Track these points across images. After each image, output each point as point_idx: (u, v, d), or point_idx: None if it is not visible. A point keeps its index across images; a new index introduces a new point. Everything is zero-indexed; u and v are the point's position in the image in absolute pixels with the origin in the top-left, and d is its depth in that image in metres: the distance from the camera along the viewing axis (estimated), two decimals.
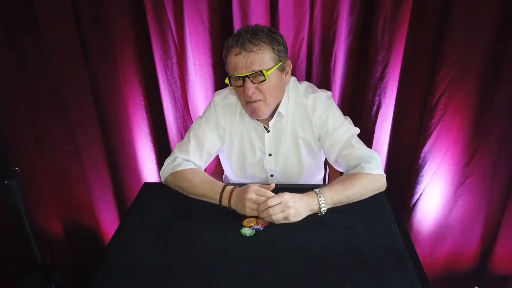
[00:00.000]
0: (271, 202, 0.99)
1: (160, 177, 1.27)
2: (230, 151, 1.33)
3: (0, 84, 1.37)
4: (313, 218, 1.04)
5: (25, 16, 1.33)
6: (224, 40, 1.54)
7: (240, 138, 1.30)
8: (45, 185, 1.55)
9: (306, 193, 1.05)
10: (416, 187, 1.55)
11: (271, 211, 0.99)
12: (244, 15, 1.43)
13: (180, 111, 1.65)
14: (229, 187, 1.10)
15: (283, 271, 0.87)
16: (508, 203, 1.48)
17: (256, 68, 1.09)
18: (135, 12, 1.45)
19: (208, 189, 1.12)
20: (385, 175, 1.15)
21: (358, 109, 1.59)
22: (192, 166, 1.23)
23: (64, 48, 1.41)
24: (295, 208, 1.01)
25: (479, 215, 1.54)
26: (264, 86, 1.12)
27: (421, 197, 1.56)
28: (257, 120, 1.25)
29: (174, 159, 1.24)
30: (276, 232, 1.00)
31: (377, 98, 1.53)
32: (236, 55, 1.10)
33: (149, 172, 1.73)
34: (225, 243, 0.97)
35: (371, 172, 1.11)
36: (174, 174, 1.20)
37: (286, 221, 1.01)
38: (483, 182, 1.47)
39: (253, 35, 1.09)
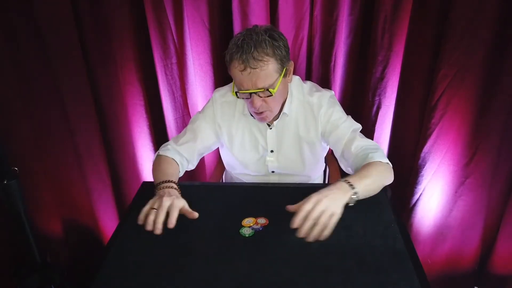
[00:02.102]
0: (305, 207, 0.91)
1: None
2: (231, 147, 1.34)
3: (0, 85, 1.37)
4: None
5: (24, 17, 1.33)
6: (224, 40, 1.55)
7: (241, 134, 1.31)
8: (45, 185, 1.55)
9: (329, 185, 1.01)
10: (416, 187, 1.55)
11: (312, 214, 0.90)
12: (244, 15, 1.43)
13: (180, 111, 1.65)
14: (173, 184, 1.08)
15: (282, 272, 0.87)
16: (508, 203, 1.48)
17: (262, 85, 1.09)
18: (134, 13, 1.45)
19: (159, 176, 1.13)
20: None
21: (358, 109, 1.59)
22: (176, 157, 1.24)
23: (64, 48, 1.40)
24: (332, 200, 0.93)
25: (479, 215, 1.54)
26: (270, 98, 1.14)
27: (421, 197, 1.56)
28: None
29: (165, 145, 1.28)
30: (275, 232, 0.99)
31: (377, 98, 1.53)
32: (241, 71, 1.08)
33: (149, 172, 1.73)
34: (224, 243, 0.97)
35: (381, 160, 1.12)
36: (156, 158, 1.24)
37: (335, 218, 0.92)
38: (483, 182, 1.47)
39: (255, 49, 1.06)
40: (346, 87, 1.58)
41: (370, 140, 1.20)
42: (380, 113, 1.56)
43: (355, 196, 1.00)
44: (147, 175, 1.74)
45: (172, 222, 0.96)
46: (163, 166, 1.20)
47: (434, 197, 1.55)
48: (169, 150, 1.25)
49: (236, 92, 1.15)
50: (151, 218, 0.95)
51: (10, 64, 1.35)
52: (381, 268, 0.87)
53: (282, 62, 1.11)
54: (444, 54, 1.31)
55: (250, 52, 1.05)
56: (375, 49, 1.43)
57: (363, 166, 1.11)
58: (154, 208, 0.97)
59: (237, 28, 1.46)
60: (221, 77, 1.58)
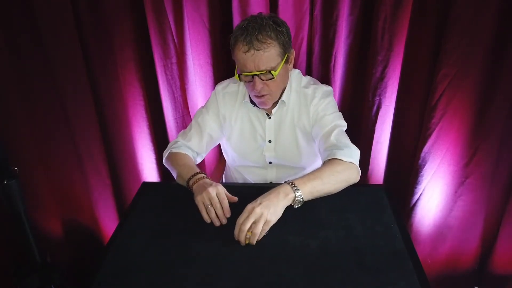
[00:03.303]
0: (239, 220, 0.95)
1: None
2: (231, 137, 1.36)
3: (0, 85, 1.37)
4: (312, 219, 1.04)
5: (25, 18, 1.33)
6: (224, 40, 1.55)
7: (241, 124, 1.34)
8: (45, 185, 1.55)
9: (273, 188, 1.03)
10: (416, 187, 1.55)
11: (243, 227, 0.93)
12: (244, 15, 1.43)
13: (180, 111, 1.65)
14: (202, 175, 1.11)
15: (282, 272, 0.87)
16: (508, 203, 1.48)
17: (264, 68, 1.12)
18: (135, 13, 1.45)
19: (185, 171, 1.15)
20: (358, 167, 1.13)
21: (358, 109, 1.59)
22: (189, 152, 1.29)
23: (64, 49, 1.40)
24: (265, 207, 0.96)
25: (479, 215, 1.54)
26: (272, 82, 1.17)
27: (421, 197, 1.56)
28: (258, 108, 1.30)
29: (175, 142, 1.32)
30: (275, 233, 0.99)
31: (377, 98, 1.53)
32: (245, 52, 1.11)
33: (149, 172, 1.73)
34: (224, 244, 0.97)
35: (342, 158, 1.10)
36: (170, 155, 1.28)
37: (268, 225, 0.96)
38: (483, 182, 1.47)
39: (260, 32, 1.09)
40: (346, 87, 1.58)
41: (346, 139, 1.19)
42: (380, 113, 1.56)
43: (299, 199, 1.02)
44: (147, 175, 1.74)
45: (228, 212, 1.01)
46: (183, 161, 1.23)
47: (434, 197, 1.55)
48: (180, 146, 1.29)
49: (239, 75, 1.18)
50: (213, 215, 1.00)
51: (10, 64, 1.35)
52: (381, 268, 0.87)
53: (285, 48, 1.15)
54: (444, 54, 1.31)
55: (254, 34, 1.09)
56: (375, 49, 1.43)
57: (321, 165, 1.13)
58: (207, 203, 1.01)
59: None
60: (221, 77, 1.58)
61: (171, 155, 1.28)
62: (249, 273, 0.87)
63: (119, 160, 1.69)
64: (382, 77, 1.48)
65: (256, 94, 1.19)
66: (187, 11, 1.46)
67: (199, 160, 1.35)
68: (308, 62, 1.56)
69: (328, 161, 1.11)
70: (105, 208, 1.72)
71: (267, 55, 1.11)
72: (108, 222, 1.75)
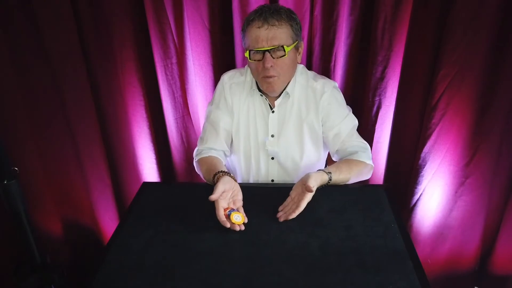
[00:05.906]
0: (306, 196, 1.06)
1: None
2: (237, 130, 1.36)
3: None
4: (313, 219, 1.04)
5: (24, 17, 1.33)
6: (224, 40, 1.54)
7: (246, 116, 1.34)
8: (45, 185, 1.55)
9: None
10: (416, 187, 1.55)
11: (303, 205, 1.05)
12: (244, 15, 1.43)
13: (180, 111, 1.65)
14: (217, 177, 1.13)
15: (282, 272, 0.87)
16: (508, 203, 1.48)
17: (277, 43, 1.14)
18: (135, 12, 1.45)
19: (208, 177, 1.20)
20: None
21: (358, 109, 1.58)
22: (211, 153, 1.31)
23: (64, 48, 1.40)
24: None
25: (479, 215, 1.54)
26: (281, 62, 1.17)
27: (421, 197, 1.56)
28: (265, 98, 1.30)
29: (196, 150, 1.35)
30: (276, 232, 1.00)
31: (377, 98, 1.53)
32: (259, 27, 1.13)
33: (149, 172, 1.73)
34: (224, 243, 0.97)
35: (367, 161, 1.25)
36: (196, 165, 1.32)
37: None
38: (483, 182, 1.47)
39: (275, 11, 1.14)
40: (346, 87, 1.58)
41: (362, 139, 1.31)
42: (380, 113, 1.56)
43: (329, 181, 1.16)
44: (147, 175, 1.74)
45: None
46: (204, 166, 1.26)
47: (434, 197, 1.55)
48: (202, 151, 1.32)
49: (249, 52, 1.18)
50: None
51: (10, 64, 1.35)
52: (381, 268, 0.87)
53: (296, 33, 1.18)
54: (444, 54, 1.31)
55: (269, 13, 1.13)
56: (375, 49, 1.43)
57: (350, 160, 1.24)
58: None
59: (237, 28, 1.46)
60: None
61: (197, 164, 1.31)
62: (249, 273, 0.87)
63: (119, 160, 1.69)
64: (382, 77, 1.48)
65: (265, 74, 1.18)
66: (187, 11, 1.46)
67: (228, 155, 1.38)
68: (308, 62, 1.56)
69: (358, 161, 1.24)
70: (105, 208, 1.72)
71: (280, 31, 1.13)
72: (108, 222, 1.75)
